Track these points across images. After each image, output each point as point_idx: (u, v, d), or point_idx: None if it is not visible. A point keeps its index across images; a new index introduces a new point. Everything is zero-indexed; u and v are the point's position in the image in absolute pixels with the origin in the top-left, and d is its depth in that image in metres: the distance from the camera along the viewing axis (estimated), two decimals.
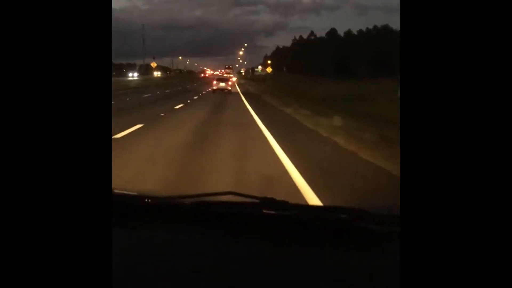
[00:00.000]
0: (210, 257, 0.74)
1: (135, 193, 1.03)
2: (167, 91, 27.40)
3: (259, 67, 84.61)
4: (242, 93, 23.93)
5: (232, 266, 0.71)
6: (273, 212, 0.87)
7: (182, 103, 14.64)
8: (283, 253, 0.76)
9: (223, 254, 0.75)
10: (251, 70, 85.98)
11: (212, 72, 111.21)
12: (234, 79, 31.62)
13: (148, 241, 0.82)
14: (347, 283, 0.67)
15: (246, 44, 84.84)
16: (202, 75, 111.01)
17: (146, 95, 21.04)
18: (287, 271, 0.70)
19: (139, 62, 72.90)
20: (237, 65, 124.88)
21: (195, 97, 19.56)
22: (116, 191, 0.92)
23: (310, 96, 19.86)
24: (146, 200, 0.97)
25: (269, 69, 26.26)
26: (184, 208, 0.92)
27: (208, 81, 46.38)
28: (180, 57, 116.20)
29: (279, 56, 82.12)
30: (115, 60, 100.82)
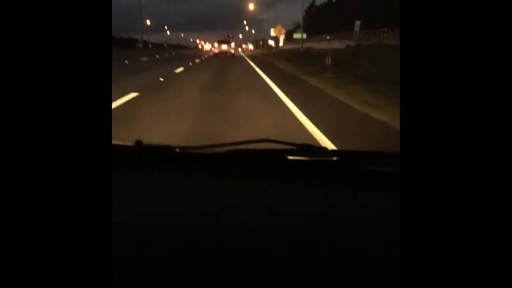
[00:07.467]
0: (254, 203, 0.74)
1: (167, 144, 0.95)
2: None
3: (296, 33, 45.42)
4: None
5: (276, 207, 0.72)
6: (312, 158, 0.88)
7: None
8: (323, 195, 0.77)
9: (266, 199, 0.76)
10: (262, 42, 67.71)
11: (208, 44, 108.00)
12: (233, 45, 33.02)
13: (196, 187, 0.81)
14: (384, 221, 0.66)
15: (251, 7, 56.04)
16: (200, 47, 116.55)
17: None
18: (320, 211, 0.71)
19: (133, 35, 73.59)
20: (240, 36, 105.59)
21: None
22: (146, 143, 0.95)
23: None
24: (179, 150, 0.94)
25: None
26: (222, 157, 0.91)
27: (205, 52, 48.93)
28: (168, 32, 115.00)
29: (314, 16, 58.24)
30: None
